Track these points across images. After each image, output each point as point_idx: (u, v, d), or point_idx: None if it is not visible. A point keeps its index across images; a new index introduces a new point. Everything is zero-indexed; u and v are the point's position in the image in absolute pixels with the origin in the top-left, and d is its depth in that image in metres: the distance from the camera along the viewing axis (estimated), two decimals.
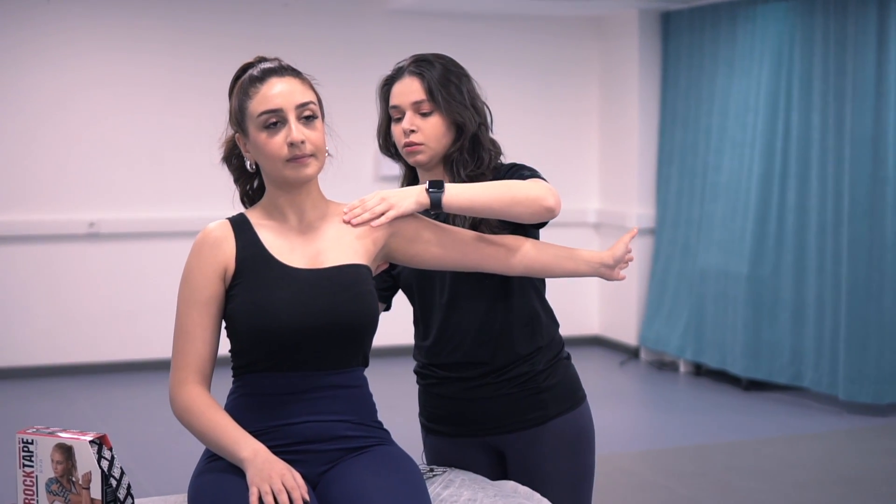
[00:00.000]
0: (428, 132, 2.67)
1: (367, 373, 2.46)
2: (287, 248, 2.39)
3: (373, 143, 8.93)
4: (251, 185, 2.53)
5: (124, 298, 7.48)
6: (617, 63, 8.22)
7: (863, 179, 6.35)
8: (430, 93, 2.66)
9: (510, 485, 2.56)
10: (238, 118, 2.40)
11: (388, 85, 2.73)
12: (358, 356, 2.41)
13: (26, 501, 2.31)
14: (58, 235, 7.35)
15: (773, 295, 6.93)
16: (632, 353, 8.14)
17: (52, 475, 2.28)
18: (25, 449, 2.29)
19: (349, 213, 2.46)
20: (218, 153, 2.54)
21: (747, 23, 7.18)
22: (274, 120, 2.34)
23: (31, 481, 2.30)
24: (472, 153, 2.69)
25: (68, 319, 7.39)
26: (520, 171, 2.67)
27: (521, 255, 2.60)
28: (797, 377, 6.83)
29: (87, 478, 2.25)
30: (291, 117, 2.34)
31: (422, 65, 2.69)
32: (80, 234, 7.39)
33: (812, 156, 6.69)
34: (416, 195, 2.47)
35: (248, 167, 2.47)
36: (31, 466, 2.29)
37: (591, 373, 7.75)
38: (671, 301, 7.75)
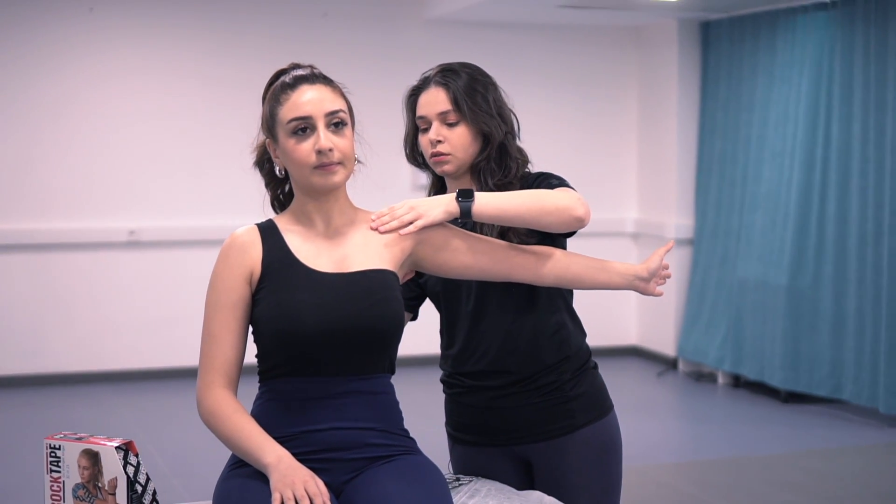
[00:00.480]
0: (454, 142, 2.67)
1: (396, 381, 2.46)
2: (313, 252, 2.39)
3: None
4: (282, 190, 2.55)
5: (164, 306, 7.54)
6: (656, 73, 8.19)
7: None
8: (455, 103, 2.66)
9: (536, 495, 2.55)
10: (269, 124, 2.42)
11: (414, 95, 2.74)
12: (383, 362, 2.40)
13: None
14: (98, 243, 7.41)
15: (812, 306, 6.86)
16: (670, 364, 8.09)
17: (79, 481, 2.30)
18: (53, 454, 2.31)
19: (377, 220, 2.46)
20: (252, 156, 2.56)
21: (787, 32, 7.12)
22: (303, 127, 2.35)
23: (58, 486, 2.31)
24: (500, 162, 2.69)
25: (108, 327, 7.45)
26: (548, 180, 2.66)
27: (552, 265, 2.58)
28: (837, 389, 6.76)
29: (113, 483, 2.27)
30: (320, 125, 2.35)
31: (447, 75, 2.69)
32: (120, 242, 7.45)
33: (852, 166, 6.62)
34: (446, 204, 2.47)
35: (278, 172, 2.48)
36: (59, 472, 2.31)
37: (628, 384, 7.71)
38: (709, 312, 7.70)
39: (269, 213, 2.57)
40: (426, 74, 2.74)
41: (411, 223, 2.44)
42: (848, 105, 6.65)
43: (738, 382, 7.56)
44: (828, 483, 5.40)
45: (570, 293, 2.78)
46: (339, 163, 2.37)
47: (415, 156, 2.79)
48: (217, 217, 7.60)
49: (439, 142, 2.66)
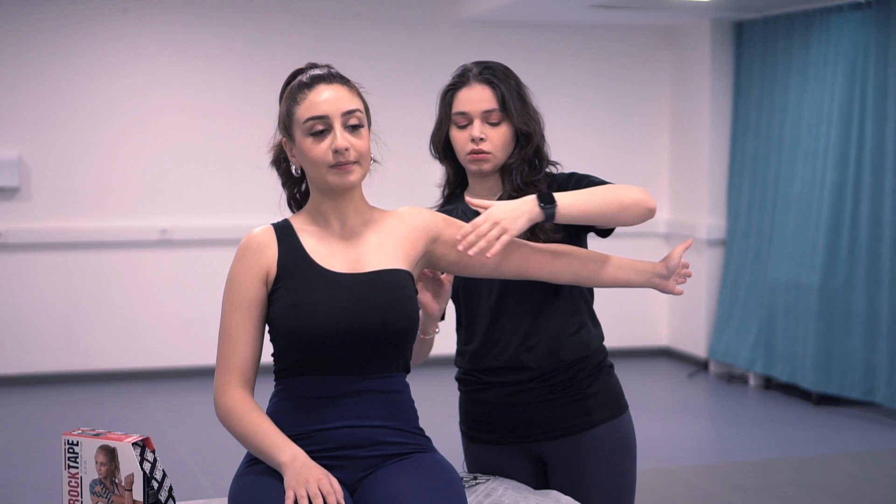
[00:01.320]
0: (496, 141, 2.68)
1: (411, 380, 2.46)
2: (328, 252, 2.40)
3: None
4: (298, 189, 2.55)
5: (195, 304, 7.58)
6: (689, 72, 8.15)
7: None
8: (502, 102, 2.67)
9: (553, 494, 2.54)
10: (285, 123, 2.44)
11: (453, 90, 2.73)
12: (398, 361, 2.41)
13: (71, 502, 2.34)
14: (130, 242, 7.47)
15: (845, 308, 6.80)
16: (701, 366, 8.04)
17: (96, 476, 2.31)
18: (70, 450, 2.33)
19: (463, 242, 2.42)
20: (268, 155, 2.57)
21: (821, 32, 7.07)
22: (320, 127, 2.36)
23: (75, 482, 2.33)
24: (531, 162, 2.71)
25: (140, 325, 7.51)
26: (588, 179, 2.68)
27: (568, 262, 2.58)
28: (869, 392, 6.69)
29: (130, 479, 2.28)
30: (337, 124, 2.36)
31: (491, 73, 2.70)
32: (152, 241, 7.50)
33: (886, 167, 6.56)
34: (528, 213, 2.45)
35: (294, 171, 2.49)
36: (76, 468, 2.33)
37: (659, 385, 7.68)
38: (741, 313, 7.65)
39: (285, 212, 2.58)
40: (465, 69, 2.75)
41: (497, 239, 2.41)
42: (882, 105, 6.59)
43: (769, 384, 7.51)
44: (859, 487, 5.35)
45: (592, 295, 2.78)
46: (356, 162, 2.37)
47: (438, 149, 2.78)
48: (248, 216, 7.62)
49: (482, 139, 2.66)
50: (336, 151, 2.35)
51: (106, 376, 7.43)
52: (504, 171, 2.71)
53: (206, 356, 7.58)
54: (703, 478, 5.53)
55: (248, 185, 7.60)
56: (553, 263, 2.57)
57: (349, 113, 2.37)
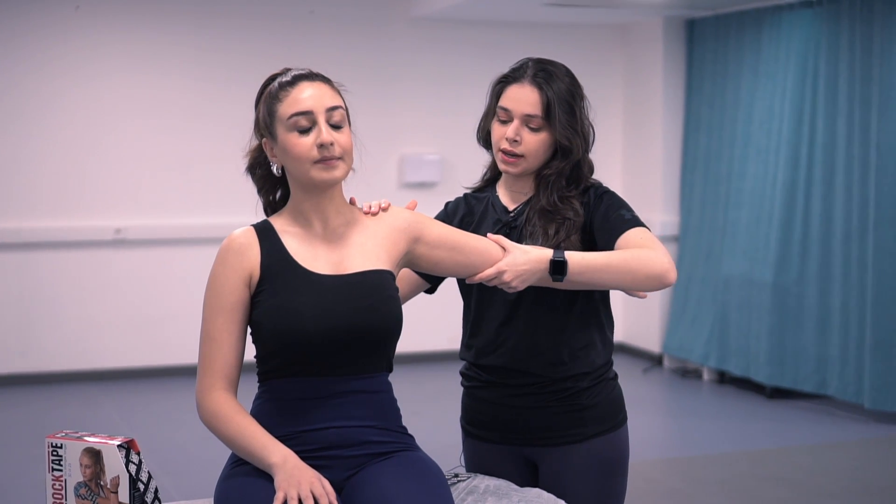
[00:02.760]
0: (531, 146, 2.64)
1: (393, 378, 2.47)
2: (311, 254, 2.40)
3: (397, 150, 8.94)
4: (274, 196, 2.54)
5: (150, 305, 7.53)
6: (641, 70, 8.22)
7: (888, 187, 6.33)
8: (546, 110, 2.61)
9: (534, 491, 2.56)
10: (266, 122, 2.41)
11: (503, 82, 2.68)
12: (382, 361, 2.42)
13: None
14: (84, 242, 7.40)
15: (797, 302, 6.90)
16: (655, 361, 8.12)
17: (81, 479, 2.30)
18: (55, 453, 2.31)
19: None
20: (244, 161, 2.55)
21: (773, 29, 7.16)
22: (304, 123, 2.35)
23: (59, 485, 2.32)
24: (570, 177, 2.67)
25: (95, 325, 7.44)
26: (618, 212, 2.62)
27: None
28: (822, 385, 6.80)
29: (116, 482, 2.27)
30: (321, 119, 2.36)
31: (546, 76, 2.64)
32: (106, 241, 7.44)
33: (837, 163, 6.67)
34: (539, 280, 2.50)
35: (275, 171, 2.47)
36: (60, 470, 2.31)
37: None
38: (695, 308, 7.74)
39: (260, 214, 2.56)
40: (522, 64, 2.68)
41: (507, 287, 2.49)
42: (833, 102, 6.69)
43: (723, 378, 7.60)
44: (817, 478, 5.44)
45: (608, 311, 2.75)
46: (340, 158, 2.37)
47: (483, 136, 2.76)
48: (203, 216, 7.60)
49: (516, 141, 2.63)
50: (321, 146, 2.34)
51: (61, 377, 7.35)
52: (541, 178, 2.67)
53: (162, 356, 7.54)
54: (663, 472, 5.59)
55: (203, 183, 7.56)
56: None
57: (333, 109, 2.37)
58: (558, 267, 2.47)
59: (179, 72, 7.54)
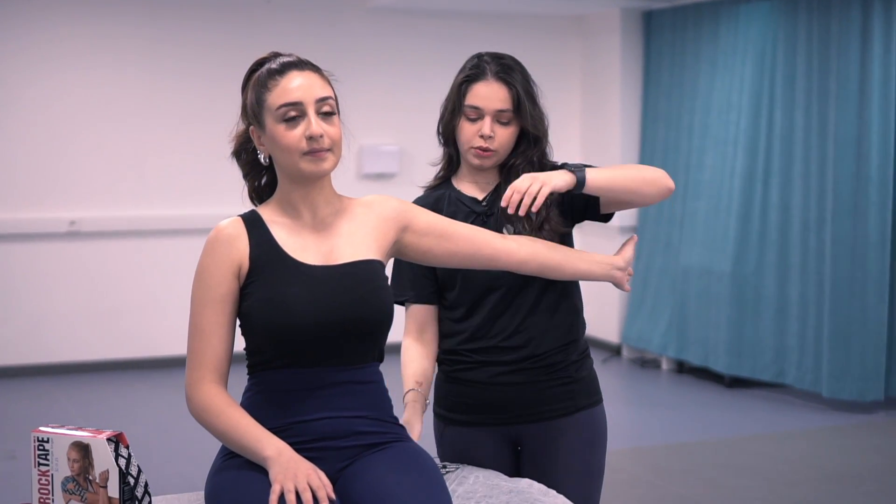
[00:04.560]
0: (503, 140, 2.70)
1: (384, 368, 2.45)
2: (300, 245, 2.37)
3: (355, 141, 8.88)
4: (260, 182, 2.51)
5: (105, 297, 7.43)
6: (599, 62, 8.24)
7: (846, 178, 6.39)
8: (516, 105, 2.69)
9: (525, 482, 2.56)
10: (254, 111, 2.38)
11: (469, 81, 2.71)
12: (373, 352, 2.40)
13: (41, 500, 2.28)
14: (38, 234, 7.29)
15: (755, 293, 6.96)
16: (614, 351, 8.16)
17: (69, 474, 2.25)
18: (41, 447, 2.26)
19: (509, 205, 2.51)
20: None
21: (730, 21, 7.21)
22: (293, 113, 2.32)
23: (46, 480, 2.27)
24: (534, 162, 2.73)
25: (49, 318, 7.33)
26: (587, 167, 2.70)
27: (534, 253, 2.61)
28: (780, 374, 6.87)
29: (105, 476, 2.23)
30: (311, 111, 2.33)
31: (507, 70, 2.70)
32: (60, 233, 7.33)
33: (795, 154, 6.73)
34: (562, 174, 2.56)
35: (262, 160, 2.44)
36: (47, 465, 2.27)
37: None
38: (653, 299, 7.78)
39: (244, 205, 2.53)
40: (479, 61, 2.73)
41: (538, 193, 2.51)
42: (790, 94, 6.75)
43: (682, 368, 7.65)
44: (777, 466, 5.49)
45: (580, 295, 2.84)
46: (329, 149, 2.35)
47: (446, 135, 2.78)
48: (158, 207, 7.51)
49: (490, 137, 2.68)
50: (310, 138, 2.32)
51: (14, 371, 7.24)
52: (510, 168, 2.73)
53: (117, 349, 7.46)
54: (625, 461, 5.61)
55: (158, 175, 7.47)
56: (519, 253, 2.59)
57: (323, 100, 2.35)
58: (576, 166, 2.58)
59: (134, 62, 7.44)
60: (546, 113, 2.78)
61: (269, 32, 7.55)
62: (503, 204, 2.53)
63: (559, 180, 2.54)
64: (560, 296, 2.74)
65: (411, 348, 2.77)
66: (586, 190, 2.57)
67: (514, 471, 2.76)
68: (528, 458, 2.74)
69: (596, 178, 2.58)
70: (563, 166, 2.60)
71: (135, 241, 7.49)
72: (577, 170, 2.56)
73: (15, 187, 7.23)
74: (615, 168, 2.65)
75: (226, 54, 7.17)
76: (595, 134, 8.32)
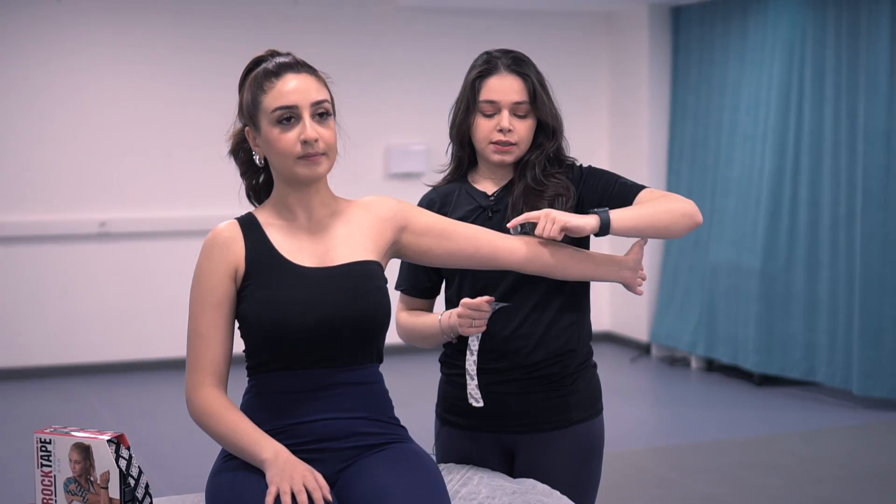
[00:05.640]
0: (522, 133, 2.67)
1: (384, 369, 2.45)
2: (296, 247, 2.37)
3: (382, 141, 8.86)
4: (257, 180, 2.51)
5: (135, 298, 7.48)
6: (627, 58, 8.20)
7: (876, 173, 6.32)
8: (532, 96, 2.66)
9: (529, 482, 2.54)
10: (250, 112, 2.38)
11: (482, 77, 2.69)
12: (371, 352, 2.39)
13: (44, 501, 2.29)
14: (69, 235, 7.35)
15: (785, 289, 6.90)
16: (643, 349, 8.11)
17: (71, 475, 2.27)
18: (43, 448, 2.28)
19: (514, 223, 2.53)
20: (227, 144, 2.52)
21: (758, 16, 7.15)
22: (288, 116, 2.32)
23: (49, 481, 2.28)
24: (549, 156, 2.71)
25: (80, 319, 7.39)
26: (618, 181, 2.68)
27: (537, 252, 2.56)
28: (810, 372, 6.81)
29: (106, 477, 2.24)
30: (306, 114, 2.32)
31: (521, 64, 2.68)
32: (91, 234, 7.39)
33: (824, 150, 6.66)
34: (585, 217, 2.50)
35: (257, 161, 2.44)
36: (49, 466, 2.28)
37: (601, 369, 7.68)
38: (682, 296, 7.73)
39: (245, 203, 2.53)
40: (490, 57, 2.70)
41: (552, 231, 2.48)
42: (820, 89, 6.68)
43: (711, 366, 7.60)
44: (806, 465, 5.44)
45: (588, 300, 2.78)
46: (324, 153, 2.34)
47: (460, 134, 2.74)
48: (188, 208, 7.55)
49: (510, 131, 2.65)
50: (305, 142, 2.31)
51: (46, 371, 7.31)
52: (525, 163, 2.69)
53: (147, 350, 7.51)
54: (652, 460, 5.58)
55: (188, 175, 7.52)
56: (521, 252, 2.55)
57: (318, 103, 2.34)
58: (605, 221, 2.51)
59: (162, 63, 7.49)
60: (560, 108, 2.74)
61: (297, 33, 7.57)
62: (509, 225, 2.52)
63: (580, 221, 2.48)
64: (564, 302, 2.67)
65: (409, 316, 2.78)
66: (612, 232, 2.50)
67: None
68: (521, 467, 2.70)
69: (621, 220, 2.50)
70: (588, 211, 2.53)
71: (165, 242, 7.54)
72: (602, 212, 2.50)
73: (46, 190, 7.30)
74: (641, 206, 2.57)
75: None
76: (623, 131, 8.28)
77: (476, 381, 2.60)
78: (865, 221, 6.35)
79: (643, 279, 2.69)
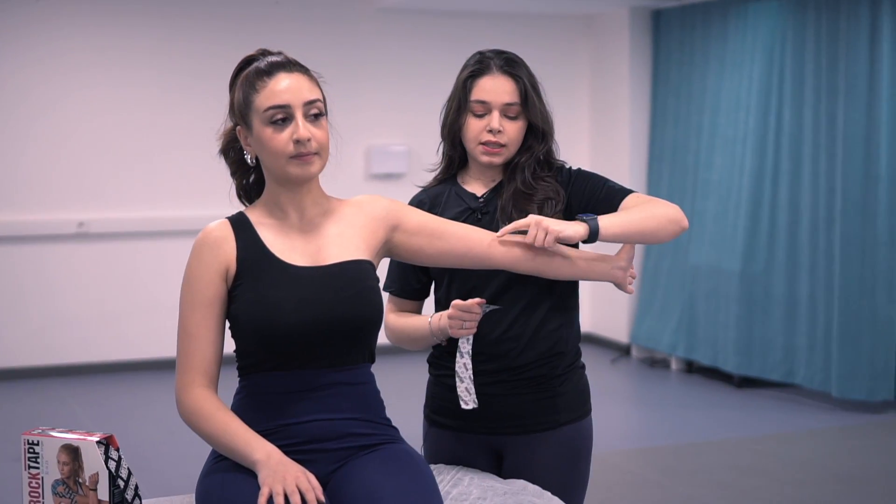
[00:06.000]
0: (512, 135, 2.66)
1: (375, 369, 2.44)
2: (288, 246, 2.36)
3: (364, 141, 8.84)
4: (247, 180, 2.49)
5: (114, 298, 7.44)
6: (607, 61, 8.21)
7: (855, 176, 6.36)
8: (524, 97, 2.66)
9: (519, 483, 2.54)
10: (242, 111, 2.36)
11: (474, 76, 2.68)
12: (364, 352, 2.38)
13: (32, 503, 2.27)
14: (47, 236, 7.30)
15: (765, 292, 6.93)
16: (623, 351, 8.13)
17: (59, 476, 2.25)
18: (31, 450, 2.26)
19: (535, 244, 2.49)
20: (210, 150, 2.50)
21: (739, 20, 7.18)
22: (281, 116, 2.31)
23: (36, 483, 2.27)
24: (540, 160, 2.70)
25: (58, 320, 7.34)
26: (606, 185, 2.69)
27: (530, 253, 2.54)
28: (790, 374, 6.83)
29: (95, 479, 2.22)
30: (298, 114, 2.31)
31: (514, 65, 2.67)
32: (69, 234, 7.34)
33: (804, 153, 6.69)
34: (574, 224, 2.50)
35: (249, 161, 2.42)
36: (37, 468, 2.26)
37: None
38: (662, 298, 7.75)
39: (235, 203, 2.52)
40: (483, 57, 2.69)
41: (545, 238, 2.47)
42: (799, 92, 6.71)
43: (691, 368, 7.62)
44: (787, 467, 5.46)
45: (577, 301, 2.78)
46: (316, 153, 2.33)
47: (451, 134, 2.73)
48: (167, 208, 7.51)
49: (500, 132, 2.64)
50: (298, 142, 2.30)
51: (23, 373, 7.25)
52: (515, 165, 2.69)
53: (127, 351, 7.47)
54: (635, 462, 5.59)
55: (167, 176, 7.48)
56: (513, 252, 2.54)
57: (311, 103, 2.33)
58: (587, 216, 2.52)
59: (142, 63, 7.45)
60: (551, 111, 2.74)
61: (278, 32, 7.55)
62: (497, 236, 2.51)
63: (570, 231, 2.47)
64: (553, 304, 2.67)
65: (398, 317, 2.78)
66: (600, 239, 2.51)
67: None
68: (509, 468, 2.70)
69: (610, 227, 2.51)
70: (576, 217, 2.53)
71: (144, 243, 7.50)
72: (590, 220, 2.50)
73: (23, 189, 7.25)
74: (629, 211, 2.57)
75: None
76: (604, 133, 8.30)
77: (466, 383, 2.60)
78: (845, 224, 6.38)
79: (633, 277, 2.68)
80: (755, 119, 6.95)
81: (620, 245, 2.66)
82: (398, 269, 2.79)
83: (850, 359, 6.40)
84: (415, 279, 2.77)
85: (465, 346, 2.60)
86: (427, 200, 2.75)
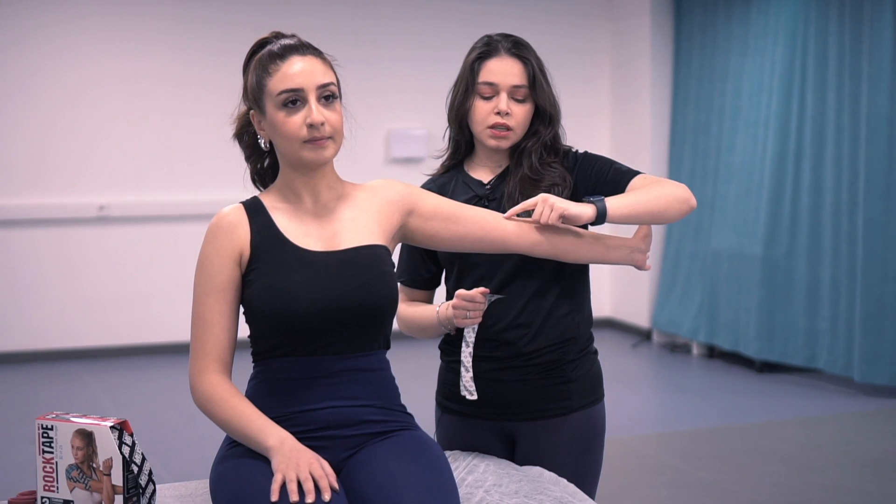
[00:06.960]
0: (519, 118, 2.64)
1: (391, 355, 2.42)
2: (302, 231, 2.34)
3: (384, 125, 8.83)
4: (262, 164, 2.47)
5: (134, 282, 7.46)
6: (629, 43, 8.16)
7: (878, 160, 6.30)
8: (532, 80, 2.64)
9: (536, 470, 2.52)
10: (255, 95, 2.34)
11: (481, 59, 2.66)
12: (378, 338, 2.36)
13: (46, 488, 2.27)
14: (68, 219, 7.32)
15: (787, 276, 6.88)
16: (644, 336, 8.10)
17: (73, 461, 2.24)
18: (45, 435, 2.25)
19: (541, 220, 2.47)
20: (227, 135, 2.48)
21: (761, 2, 7.11)
22: (294, 99, 2.28)
23: (50, 468, 2.26)
24: (547, 145, 2.68)
25: (79, 303, 7.37)
26: (612, 167, 2.65)
27: (548, 235, 2.52)
28: (812, 359, 6.79)
29: (108, 464, 2.22)
30: (312, 98, 2.29)
31: (521, 48, 2.66)
32: (90, 218, 7.36)
33: (827, 136, 6.63)
34: (582, 205, 2.47)
35: (263, 145, 2.40)
36: (51, 452, 2.26)
37: (602, 355, 7.67)
38: (684, 282, 7.71)
39: (249, 187, 2.50)
40: (490, 40, 2.68)
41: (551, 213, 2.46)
42: (822, 74, 6.65)
43: (712, 353, 7.58)
44: (808, 452, 5.43)
45: (588, 286, 2.76)
46: (330, 137, 2.31)
47: (458, 117, 2.71)
48: (187, 192, 7.52)
49: (508, 114, 2.62)
50: (311, 126, 2.28)
51: (45, 355, 7.29)
52: (521, 150, 2.67)
53: (147, 334, 7.49)
54: (654, 447, 5.57)
55: (187, 159, 7.49)
56: (529, 235, 2.52)
57: (324, 86, 2.30)
58: (601, 209, 2.48)
59: (162, 45, 7.45)
60: (558, 95, 2.71)
61: (298, 14, 7.53)
62: (506, 216, 2.50)
63: (577, 209, 2.45)
64: (562, 290, 2.65)
65: (408, 307, 2.76)
66: (608, 220, 2.48)
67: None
68: (522, 454, 2.69)
69: (617, 208, 2.47)
70: (583, 199, 2.51)
71: (164, 226, 7.51)
72: (598, 201, 2.47)
73: (44, 173, 7.27)
74: (636, 192, 2.54)
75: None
76: (625, 117, 8.25)
77: (471, 374, 2.58)
78: (867, 208, 6.33)
79: (647, 254, 2.68)
80: (777, 102, 6.89)
81: (636, 227, 2.65)
82: (408, 258, 2.77)
83: (872, 343, 6.35)
84: (424, 269, 2.76)
85: (470, 336, 2.58)
86: (434, 190, 2.72)
